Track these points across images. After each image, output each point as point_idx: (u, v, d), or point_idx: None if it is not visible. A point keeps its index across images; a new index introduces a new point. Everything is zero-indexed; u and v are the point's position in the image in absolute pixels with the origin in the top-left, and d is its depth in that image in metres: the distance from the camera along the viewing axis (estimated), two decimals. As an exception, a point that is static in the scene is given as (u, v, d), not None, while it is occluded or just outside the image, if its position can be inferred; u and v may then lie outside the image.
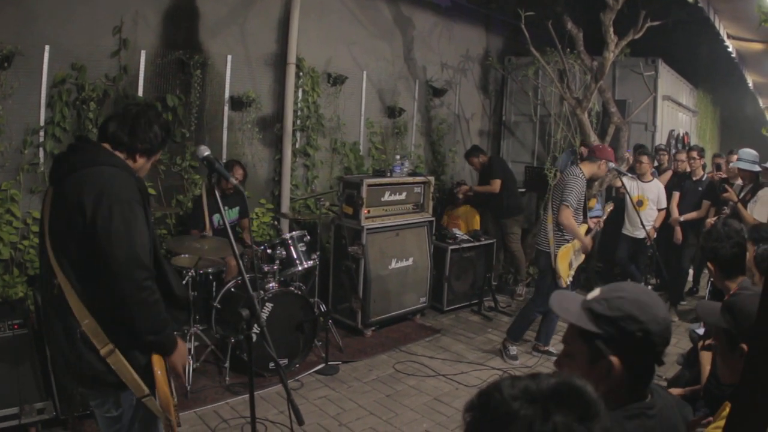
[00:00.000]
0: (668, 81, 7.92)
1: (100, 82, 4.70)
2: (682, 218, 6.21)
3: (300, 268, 4.71)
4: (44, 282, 2.07)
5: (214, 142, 5.55)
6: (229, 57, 5.62)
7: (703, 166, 6.55)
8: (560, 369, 1.31)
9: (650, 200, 6.13)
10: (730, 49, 7.93)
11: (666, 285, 6.49)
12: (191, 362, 4.05)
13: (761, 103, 12.23)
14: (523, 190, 7.37)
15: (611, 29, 6.04)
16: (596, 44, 6.32)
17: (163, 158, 5.04)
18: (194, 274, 4.29)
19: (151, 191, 5.02)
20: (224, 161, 5.36)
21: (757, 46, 7.70)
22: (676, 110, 8.58)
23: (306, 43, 6.07)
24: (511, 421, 0.80)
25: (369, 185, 5.24)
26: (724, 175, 6.47)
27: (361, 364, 4.71)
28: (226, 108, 5.64)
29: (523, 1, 6.44)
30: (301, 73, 6.10)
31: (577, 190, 4.51)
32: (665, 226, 6.26)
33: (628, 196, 5.76)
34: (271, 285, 4.39)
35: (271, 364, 4.20)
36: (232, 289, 4.55)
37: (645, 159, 6.17)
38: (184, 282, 4.07)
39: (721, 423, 1.75)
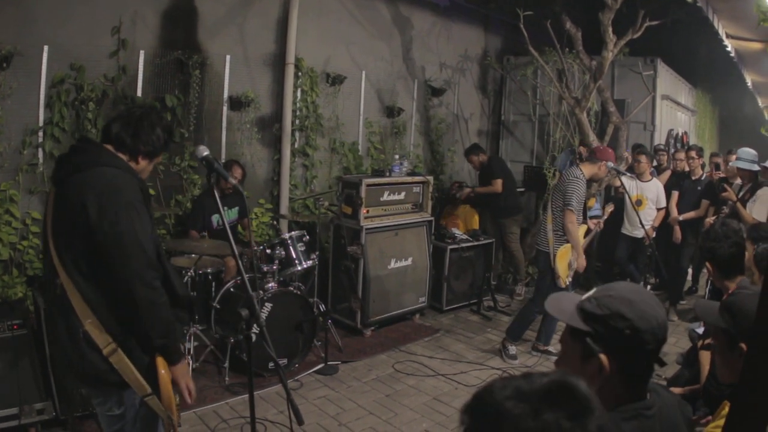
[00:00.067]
0: (667, 80, 7.93)
1: (99, 82, 4.70)
2: (681, 218, 6.22)
3: (299, 268, 4.71)
4: (47, 282, 2.08)
5: (212, 142, 5.55)
6: (228, 57, 5.62)
7: (702, 166, 6.56)
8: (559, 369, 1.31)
9: (649, 200, 6.13)
10: (728, 49, 7.94)
11: (665, 284, 6.51)
12: (191, 363, 4.05)
13: (760, 102, 12.25)
14: (522, 189, 7.38)
15: (610, 29, 6.05)
16: (595, 44, 6.33)
17: (162, 158, 5.03)
18: (193, 274, 4.30)
19: (150, 191, 5.01)
20: (223, 161, 5.37)
21: (756, 46, 7.71)
22: (675, 110, 8.58)
23: (305, 43, 6.07)
24: (503, 420, 0.80)
25: (368, 185, 5.24)
26: (723, 175, 6.47)
27: (360, 364, 4.71)
28: (224, 108, 5.64)
29: (521, 0, 6.44)
30: (299, 73, 6.11)
31: (579, 193, 4.53)
32: (664, 226, 6.27)
33: (627, 196, 5.76)
34: (270, 285, 4.39)
35: (271, 364, 4.20)
36: (232, 289, 4.56)
37: (644, 158, 6.17)
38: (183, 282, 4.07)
39: (721, 422, 1.75)
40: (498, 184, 6.57)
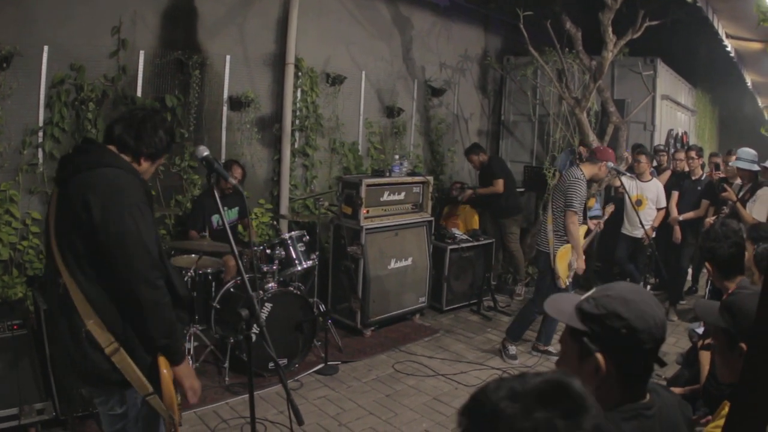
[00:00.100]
0: (667, 80, 7.93)
1: (99, 82, 4.70)
2: (681, 218, 6.22)
3: (299, 268, 4.71)
4: (49, 282, 2.09)
5: (212, 143, 5.55)
6: (228, 57, 5.62)
7: (702, 166, 6.56)
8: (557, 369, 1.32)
9: (649, 200, 6.13)
10: (728, 49, 7.94)
11: (665, 284, 6.51)
12: (191, 363, 4.05)
13: (760, 102, 12.25)
14: (522, 189, 7.38)
15: (610, 29, 6.05)
16: (595, 44, 6.33)
17: (164, 160, 5.04)
18: (193, 274, 4.29)
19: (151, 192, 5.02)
20: (223, 161, 5.36)
21: (756, 46, 7.72)
22: (674, 110, 8.58)
23: (304, 43, 6.07)
24: (499, 421, 0.80)
25: (368, 185, 5.24)
26: (722, 175, 6.47)
27: (360, 364, 4.71)
28: (224, 108, 5.64)
29: (521, 0, 6.44)
30: (299, 73, 6.11)
31: (580, 194, 4.54)
32: (664, 226, 6.27)
33: (627, 196, 5.76)
34: (270, 285, 4.39)
35: (271, 364, 4.20)
36: (232, 289, 4.55)
37: (643, 158, 6.18)
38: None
39: (721, 422, 1.75)
40: (499, 184, 6.57)
